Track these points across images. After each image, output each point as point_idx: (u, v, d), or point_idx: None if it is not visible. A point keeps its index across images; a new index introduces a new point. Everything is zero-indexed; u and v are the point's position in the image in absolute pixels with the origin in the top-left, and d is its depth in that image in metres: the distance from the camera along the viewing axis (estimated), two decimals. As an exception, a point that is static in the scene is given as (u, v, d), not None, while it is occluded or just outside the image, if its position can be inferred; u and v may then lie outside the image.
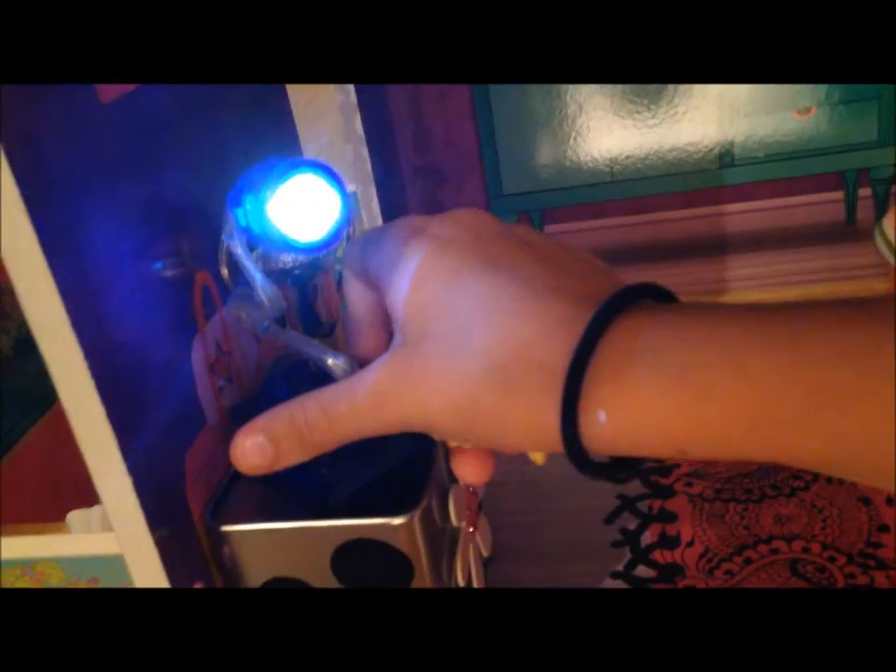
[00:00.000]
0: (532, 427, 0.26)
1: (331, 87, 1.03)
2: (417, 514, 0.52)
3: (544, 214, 1.11)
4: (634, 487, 0.84)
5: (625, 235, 1.11)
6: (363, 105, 1.04)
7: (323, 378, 0.53)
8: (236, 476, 0.53)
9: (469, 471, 0.32)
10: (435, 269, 0.27)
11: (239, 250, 0.47)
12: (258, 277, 0.47)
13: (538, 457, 0.32)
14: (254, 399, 0.56)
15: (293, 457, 0.31)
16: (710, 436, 0.23)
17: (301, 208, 0.41)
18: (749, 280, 1.09)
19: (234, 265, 0.47)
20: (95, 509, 0.76)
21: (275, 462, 0.31)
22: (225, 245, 0.46)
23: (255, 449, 0.31)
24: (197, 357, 0.56)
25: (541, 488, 0.85)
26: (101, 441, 0.46)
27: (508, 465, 0.89)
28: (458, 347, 0.26)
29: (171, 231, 0.55)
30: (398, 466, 0.53)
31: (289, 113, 0.82)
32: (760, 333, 0.22)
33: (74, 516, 0.75)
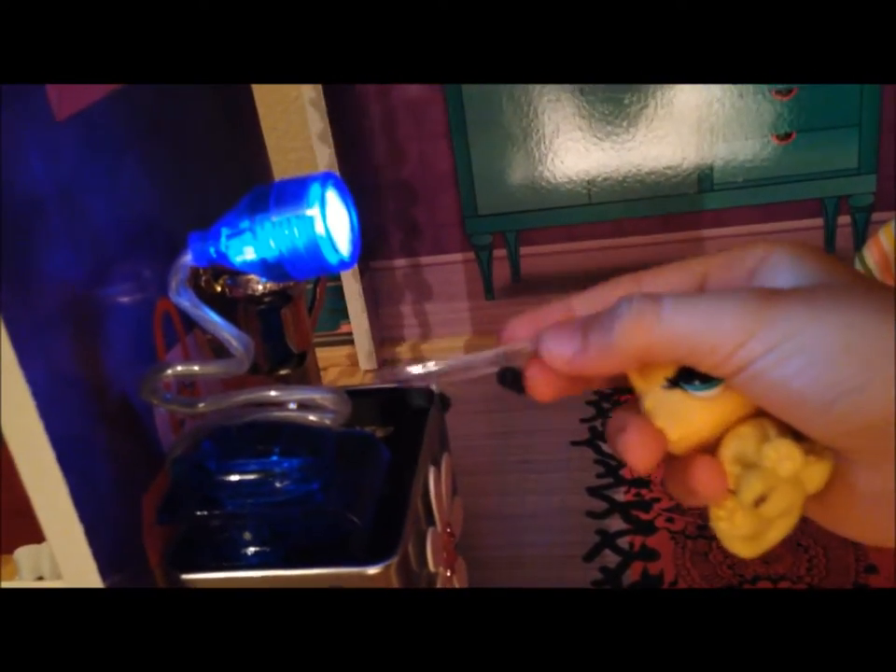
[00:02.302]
0: None
1: (303, 101, 1.00)
2: (395, 563, 0.48)
3: (519, 235, 1.08)
4: (614, 523, 0.81)
5: (601, 259, 1.09)
6: (335, 121, 1.01)
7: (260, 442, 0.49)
8: (201, 518, 0.49)
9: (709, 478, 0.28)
10: None
11: (186, 303, 0.43)
12: (220, 324, 0.43)
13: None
14: (181, 460, 0.51)
15: (598, 351, 0.28)
16: None
17: (334, 224, 0.38)
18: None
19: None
20: (45, 546, 0.71)
21: (582, 352, 0.28)
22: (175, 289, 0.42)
23: (562, 335, 0.29)
24: (157, 389, 0.52)
25: (518, 522, 0.82)
26: (49, 486, 0.42)
27: (483, 498, 0.87)
28: None
29: (129, 255, 0.51)
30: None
31: (258, 132, 0.78)
32: None
33: (22, 554, 0.71)
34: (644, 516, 0.80)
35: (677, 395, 0.28)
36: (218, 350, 0.66)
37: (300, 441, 0.50)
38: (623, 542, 0.78)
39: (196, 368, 0.45)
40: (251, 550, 0.49)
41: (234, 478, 0.49)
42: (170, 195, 0.56)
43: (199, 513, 0.49)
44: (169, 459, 0.51)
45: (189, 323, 0.57)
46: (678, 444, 0.29)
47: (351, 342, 1.25)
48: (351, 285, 1.13)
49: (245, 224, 0.40)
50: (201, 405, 0.48)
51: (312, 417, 0.48)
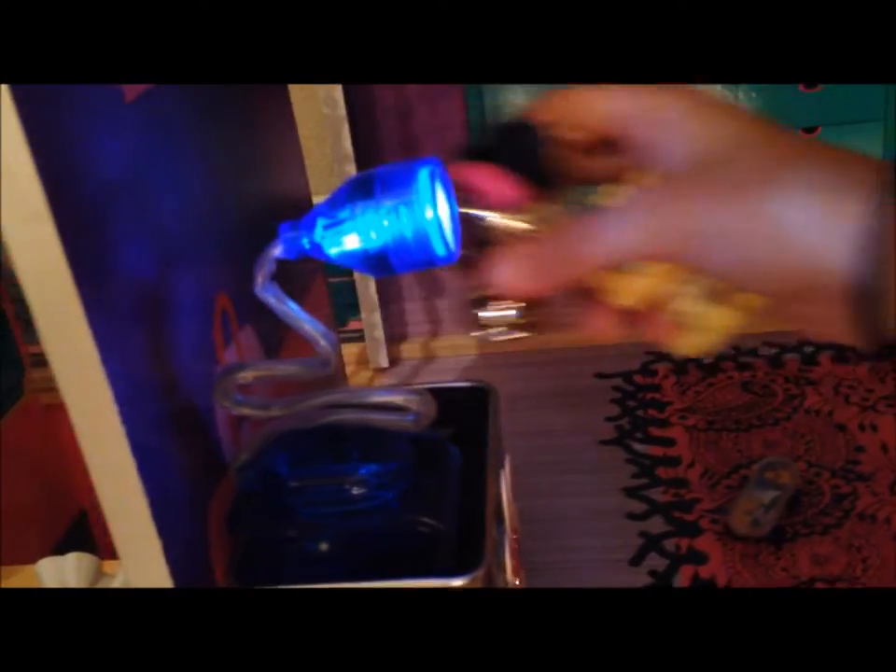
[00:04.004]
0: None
1: (315, 91, 0.97)
2: (481, 574, 0.45)
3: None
4: (656, 525, 0.79)
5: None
6: (350, 111, 0.97)
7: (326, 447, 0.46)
8: (273, 528, 0.46)
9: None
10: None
11: (272, 298, 0.40)
12: (307, 320, 0.40)
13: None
14: (249, 466, 0.48)
15: (550, 279, 0.30)
16: None
17: (441, 214, 0.36)
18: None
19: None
20: (68, 557, 0.67)
21: (535, 275, 0.30)
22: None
23: (514, 262, 0.30)
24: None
25: (557, 525, 0.79)
26: (127, 496, 0.39)
27: (531, 500, 0.83)
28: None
29: (191, 248, 0.48)
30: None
31: (292, 125, 0.75)
32: None
33: (44, 566, 0.67)
34: (687, 517, 0.78)
35: (619, 273, 0.31)
36: (266, 348, 0.62)
37: (375, 445, 0.47)
38: (668, 545, 0.76)
39: (278, 368, 0.42)
40: (328, 561, 0.46)
41: (308, 485, 0.46)
42: (227, 185, 0.52)
43: (270, 523, 0.46)
44: (235, 465, 0.47)
45: (244, 320, 0.54)
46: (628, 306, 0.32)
47: (360, 339, 1.22)
48: (364, 280, 1.09)
49: (345, 213, 0.37)
50: (275, 408, 0.45)
51: (394, 420, 0.45)
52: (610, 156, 0.32)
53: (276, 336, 0.61)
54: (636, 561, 0.74)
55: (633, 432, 0.92)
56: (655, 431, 0.92)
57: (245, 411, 0.45)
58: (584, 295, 0.32)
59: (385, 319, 1.14)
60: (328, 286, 0.90)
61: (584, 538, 0.77)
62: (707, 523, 0.77)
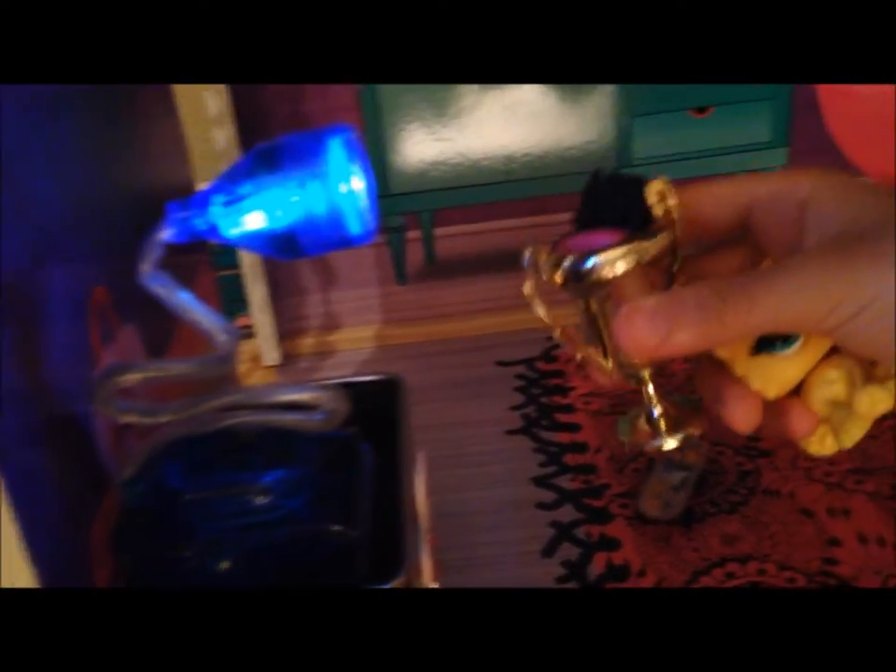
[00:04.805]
0: None
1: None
2: (402, 580, 0.42)
3: (434, 215, 1.03)
4: (567, 513, 0.77)
5: (521, 237, 1.04)
6: (237, 92, 0.92)
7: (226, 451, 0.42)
8: (166, 548, 0.41)
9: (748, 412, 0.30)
10: None
11: (161, 288, 0.36)
12: (203, 311, 0.35)
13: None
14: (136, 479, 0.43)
15: (686, 336, 0.27)
16: None
17: (356, 188, 0.32)
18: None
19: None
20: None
21: (666, 340, 0.27)
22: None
23: (645, 321, 0.27)
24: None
25: (466, 520, 0.77)
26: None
27: (438, 495, 0.80)
28: None
29: (67, 239, 0.42)
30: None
31: (173, 110, 0.69)
32: None
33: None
34: (597, 504, 0.77)
35: (763, 358, 0.30)
36: (150, 347, 0.57)
37: (280, 449, 0.43)
38: (580, 533, 0.74)
39: (169, 368, 0.37)
40: (230, 581, 0.42)
41: (205, 497, 0.41)
42: (104, 173, 0.47)
43: (162, 542, 0.41)
44: (120, 480, 0.42)
45: (125, 317, 0.49)
46: (773, 397, 0.31)
47: (250, 335, 1.16)
48: (254, 273, 1.04)
49: (246, 189, 0.33)
50: (164, 413, 0.40)
51: (301, 420, 0.41)
52: (734, 251, 0.31)
53: (162, 335, 0.55)
54: (548, 552, 0.72)
55: (539, 420, 0.90)
56: (561, 417, 0.90)
57: (130, 418, 0.40)
58: (737, 387, 0.30)
59: (277, 314, 1.09)
60: (215, 280, 0.85)
61: (495, 531, 0.74)
62: (618, 508, 0.76)
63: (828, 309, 0.27)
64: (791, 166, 1.03)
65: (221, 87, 0.90)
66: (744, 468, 0.79)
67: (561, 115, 0.97)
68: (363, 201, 0.34)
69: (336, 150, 0.32)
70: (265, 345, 1.08)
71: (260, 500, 0.41)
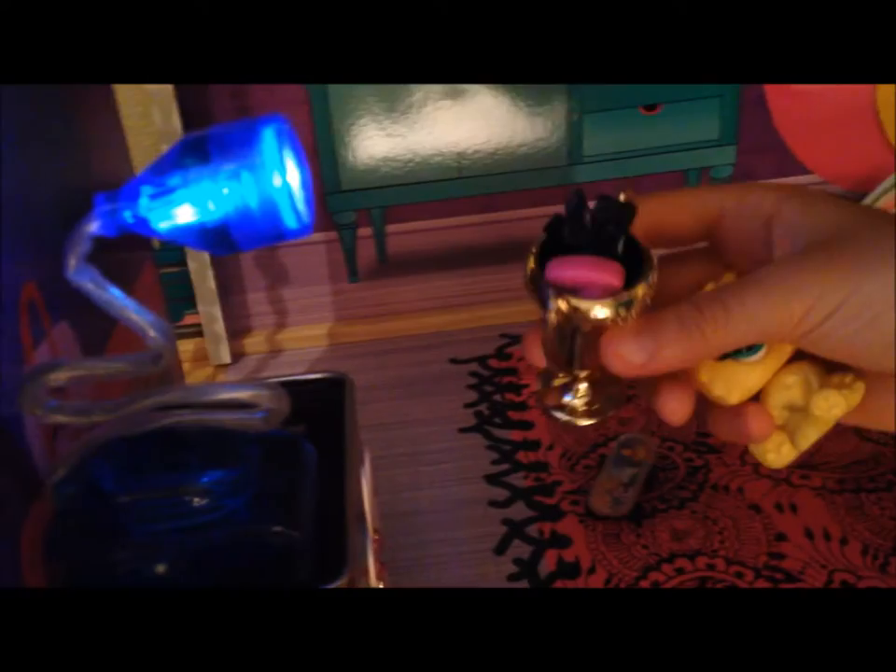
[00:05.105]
0: None
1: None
2: (344, 582, 0.41)
3: (385, 212, 1.02)
4: (519, 511, 0.76)
5: (472, 235, 1.04)
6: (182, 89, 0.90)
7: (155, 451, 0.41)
8: (99, 552, 0.40)
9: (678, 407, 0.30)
10: None
11: (89, 283, 0.34)
12: (133, 308, 0.34)
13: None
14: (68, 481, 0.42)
15: (672, 352, 0.28)
16: None
17: (291, 179, 0.31)
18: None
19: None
20: None
21: (653, 357, 0.28)
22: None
23: (631, 340, 0.28)
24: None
25: (417, 519, 0.76)
26: None
27: (389, 495, 0.79)
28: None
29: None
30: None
31: (111, 99, 0.68)
32: None
33: None
34: (549, 501, 0.77)
35: (728, 364, 0.30)
36: (85, 346, 0.55)
37: (219, 448, 0.42)
38: (532, 530, 0.74)
39: (99, 366, 0.36)
40: (167, 584, 0.40)
41: (140, 499, 0.40)
42: (36, 163, 0.45)
43: (95, 546, 0.40)
44: (51, 482, 0.41)
45: (57, 314, 0.47)
46: (735, 402, 0.31)
47: (198, 334, 1.14)
48: (201, 270, 1.02)
49: (175, 181, 0.32)
50: (97, 413, 0.38)
51: (240, 418, 0.40)
52: (693, 267, 0.32)
53: (100, 333, 0.54)
54: (500, 550, 0.71)
55: (492, 417, 0.90)
56: (514, 415, 0.90)
57: (60, 418, 0.38)
58: (671, 381, 0.30)
59: (226, 312, 1.07)
60: (159, 277, 0.83)
61: (447, 530, 0.74)
62: (568, 505, 0.76)
63: (801, 315, 0.27)
64: (739, 164, 1.04)
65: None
66: (693, 463, 0.80)
67: (512, 112, 0.97)
68: (298, 193, 0.33)
69: (269, 140, 0.31)
70: (213, 344, 1.06)
71: (199, 502, 0.40)
